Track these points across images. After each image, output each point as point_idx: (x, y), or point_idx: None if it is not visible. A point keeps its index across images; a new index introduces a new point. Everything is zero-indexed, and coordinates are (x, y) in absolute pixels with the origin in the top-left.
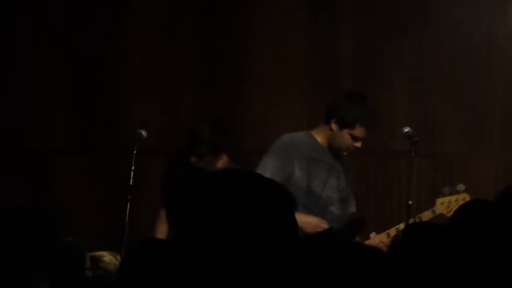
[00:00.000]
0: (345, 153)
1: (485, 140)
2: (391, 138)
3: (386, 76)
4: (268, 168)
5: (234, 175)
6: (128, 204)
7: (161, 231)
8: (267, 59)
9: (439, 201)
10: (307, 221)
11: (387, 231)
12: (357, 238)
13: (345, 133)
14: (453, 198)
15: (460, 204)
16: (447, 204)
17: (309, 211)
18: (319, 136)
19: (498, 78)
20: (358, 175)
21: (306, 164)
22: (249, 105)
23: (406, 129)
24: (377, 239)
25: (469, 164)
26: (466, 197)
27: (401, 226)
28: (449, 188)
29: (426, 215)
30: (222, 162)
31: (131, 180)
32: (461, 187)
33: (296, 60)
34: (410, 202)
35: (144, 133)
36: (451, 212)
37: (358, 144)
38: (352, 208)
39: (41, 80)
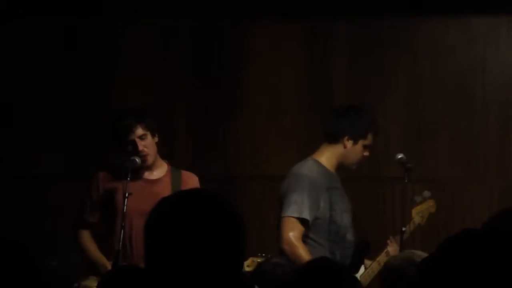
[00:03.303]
0: (355, 167)
1: (479, 166)
2: (385, 164)
3: (379, 102)
4: (304, 207)
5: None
6: (122, 230)
7: None
8: (261, 84)
9: (414, 211)
10: None
11: (377, 259)
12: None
13: (360, 145)
14: (424, 206)
15: (430, 210)
16: (421, 214)
17: (330, 241)
18: (325, 160)
19: (492, 104)
20: (352, 201)
21: (327, 196)
22: (242, 131)
23: (400, 155)
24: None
25: (463, 189)
26: (433, 203)
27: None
28: (420, 197)
29: (409, 229)
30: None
31: (125, 207)
32: (427, 193)
33: (289, 86)
34: (404, 229)
35: (138, 160)
36: (424, 219)
37: (367, 153)
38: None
39: (35, 107)
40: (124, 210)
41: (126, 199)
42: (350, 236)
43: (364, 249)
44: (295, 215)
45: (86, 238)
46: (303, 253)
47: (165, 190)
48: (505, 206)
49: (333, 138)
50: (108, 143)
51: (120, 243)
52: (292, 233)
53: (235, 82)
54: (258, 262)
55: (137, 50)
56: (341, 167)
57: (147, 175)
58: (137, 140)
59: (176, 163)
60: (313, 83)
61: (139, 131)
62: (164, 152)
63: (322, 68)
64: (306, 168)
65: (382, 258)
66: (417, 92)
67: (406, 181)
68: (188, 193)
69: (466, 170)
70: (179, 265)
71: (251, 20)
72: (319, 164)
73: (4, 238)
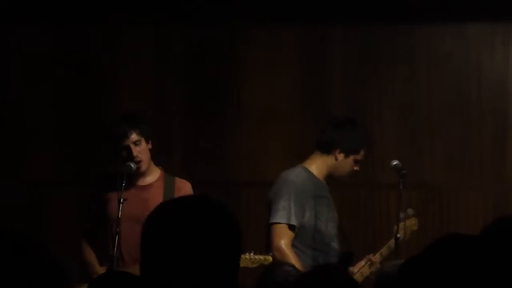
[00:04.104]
0: (344, 179)
1: (474, 172)
2: (380, 170)
3: (375, 108)
4: (292, 213)
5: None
6: (117, 236)
7: None
8: (257, 89)
9: (401, 226)
10: None
11: (360, 270)
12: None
13: (351, 159)
14: (408, 222)
15: (412, 228)
16: (404, 230)
17: (314, 250)
18: (315, 169)
19: (487, 110)
20: (347, 207)
21: (313, 204)
22: (239, 136)
23: (395, 162)
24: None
25: (459, 196)
26: (415, 221)
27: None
28: (404, 213)
29: (390, 246)
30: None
31: (120, 212)
32: (410, 211)
33: (285, 91)
34: (398, 235)
35: (133, 165)
36: (407, 236)
37: (357, 168)
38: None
39: (31, 112)
40: (119, 216)
41: (120, 205)
42: (335, 245)
43: (348, 259)
44: (284, 221)
45: (85, 246)
46: (294, 261)
47: (156, 196)
48: (500, 211)
49: (326, 149)
50: (103, 149)
51: (115, 249)
52: (283, 241)
53: (232, 87)
54: (262, 262)
55: (134, 54)
56: (330, 177)
57: (139, 181)
58: (132, 146)
59: (171, 168)
60: (309, 89)
61: (134, 137)
62: (160, 157)
63: (319, 73)
64: (294, 174)
65: (365, 270)
66: (412, 98)
67: (401, 187)
68: (185, 199)
69: (461, 176)
70: (175, 271)
71: (248, 25)
72: (308, 171)
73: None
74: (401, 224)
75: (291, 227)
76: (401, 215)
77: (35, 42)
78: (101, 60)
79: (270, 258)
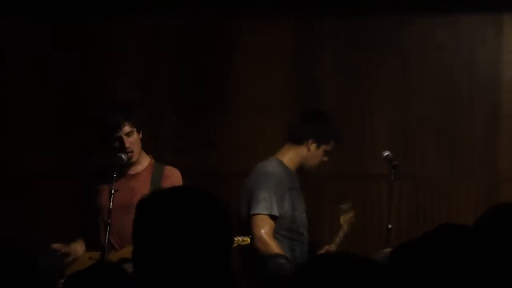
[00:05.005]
0: (313, 171)
1: (465, 163)
2: (371, 162)
3: (366, 99)
4: (273, 204)
5: (185, 195)
6: (108, 227)
7: None
8: (248, 81)
9: (342, 219)
10: None
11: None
12: None
13: (321, 150)
14: (348, 215)
15: (351, 220)
16: (347, 222)
17: (290, 239)
18: (288, 161)
19: (478, 102)
20: (338, 199)
21: (290, 195)
22: (230, 127)
23: (386, 153)
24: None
25: (450, 187)
26: (353, 214)
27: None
28: (345, 205)
29: (338, 239)
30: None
31: (111, 203)
32: (349, 204)
33: (277, 83)
34: (390, 226)
35: (124, 156)
36: (350, 228)
37: (326, 159)
38: None
39: (23, 104)
40: (110, 207)
41: (112, 196)
42: (307, 234)
43: (317, 247)
44: (266, 212)
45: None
46: (277, 250)
47: (142, 185)
48: (491, 203)
49: (298, 140)
50: (96, 141)
51: (106, 239)
52: (263, 230)
53: (223, 79)
54: (240, 243)
55: (126, 47)
56: (301, 168)
57: (129, 170)
58: (124, 137)
59: (163, 159)
60: (300, 81)
61: (127, 128)
62: (152, 147)
63: (309, 65)
64: (271, 166)
65: None
66: (403, 89)
67: (392, 178)
68: (176, 190)
69: (452, 168)
70: (167, 261)
71: (239, 17)
72: (282, 163)
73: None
74: (341, 218)
75: (272, 217)
76: (343, 207)
77: (29, 36)
78: (92, 51)
79: (248, 240)
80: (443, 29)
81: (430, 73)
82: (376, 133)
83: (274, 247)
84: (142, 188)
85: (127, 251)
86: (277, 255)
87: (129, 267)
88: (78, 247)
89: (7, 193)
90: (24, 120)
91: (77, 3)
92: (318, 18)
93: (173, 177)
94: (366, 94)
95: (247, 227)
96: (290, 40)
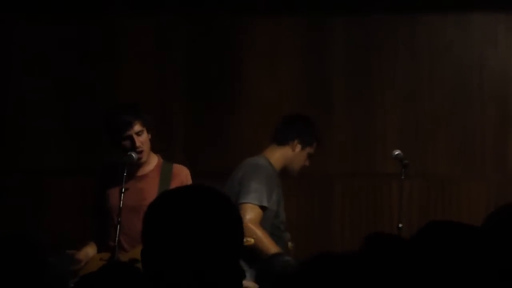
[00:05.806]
0: (295, 174)
1: (476, 162)
2: (382, 161)
3: (377, 98)
4: (263, 195)
5: (197, 194)
6: (118, 226)
7: None
8: (258, 83)
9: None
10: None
11: None
12: None
13: (305, 152)
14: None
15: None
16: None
17: (272, 235)
18: (275, 161)
19: (489, 100)
20: (349, 197)
21: (277, 191)
22: (240, 126)
23: (396, 152)
24: None
25: (461, 185)
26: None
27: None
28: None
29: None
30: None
31: (121, 202)
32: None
33: (287, 82)
34: (400, 225)
35: (134, 155)
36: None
37: (307, 163)
38: None
39: (35, 102)
40: (120, 206)
41: (122, 195)
42: (286, 233)
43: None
44: (256, 203)
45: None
46: (265, 239)
47: (151, 186)
48: (502, 200)
49: (283, 140)
50: (105, 137)
51: (117, 239)
52: (248, 216)
53: (232, 78)
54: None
55: (135, 46)
56: (283, 170)
57: (138, 171)
58: (135, 136)
59: (172, 158)
60: (310, 80)
61: (137, 127)
62: (161, 147)
63: (320, 64)
64: (261, 161)
65: None
66: (414, 88)
67: (402, 177)
68: (186, 189)
69: (464, 166)
70: (176, 261)
71: (249, 16)
72: (269, 161)
73: (7, 233)
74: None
75: (261, 208)
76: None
77: (35, 34)
78: (101, 49)
79: (252, 240)
80: (454, 28)
81: (441, 71)
82: (387, 132)
83: (260, 233)
84: (151, 189)
85: (137, 252)
86: (283, 254)
87: (139, 267)
88: (90, 250)
89: (19, 192)
90: (35, 119)
91: (89, 0)
92: (328, 17)
93: (182, 175)
94: (377, 93)
95: None
96: (301, 39)
